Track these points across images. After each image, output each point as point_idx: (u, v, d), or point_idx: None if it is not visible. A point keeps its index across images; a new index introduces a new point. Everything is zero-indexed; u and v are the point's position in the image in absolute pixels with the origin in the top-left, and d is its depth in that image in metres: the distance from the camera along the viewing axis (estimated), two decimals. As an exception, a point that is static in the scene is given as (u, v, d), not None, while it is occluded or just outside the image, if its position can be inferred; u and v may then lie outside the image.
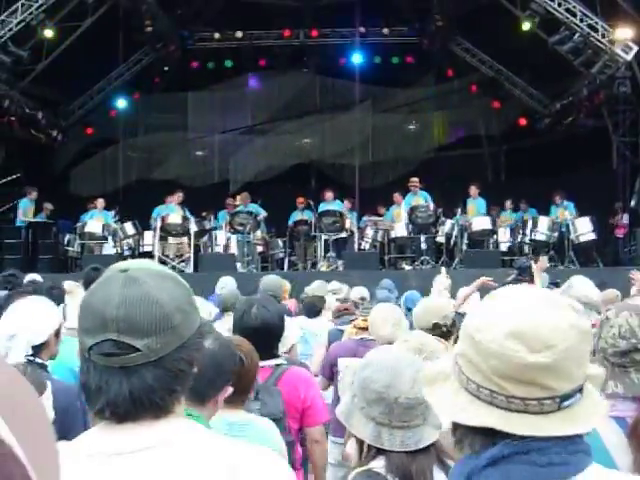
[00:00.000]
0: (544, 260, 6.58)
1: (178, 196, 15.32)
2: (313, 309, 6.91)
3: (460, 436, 1.31)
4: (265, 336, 3.34)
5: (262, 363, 3.18)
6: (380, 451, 2.14)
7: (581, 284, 5.04)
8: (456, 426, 1.32)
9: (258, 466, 1.33)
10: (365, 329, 5.02)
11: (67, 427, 2.89)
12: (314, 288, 7.79)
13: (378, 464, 2.13)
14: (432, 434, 2.14)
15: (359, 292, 7.48)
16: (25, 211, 15.42)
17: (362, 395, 2.20)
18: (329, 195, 15.41)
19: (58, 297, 6.06)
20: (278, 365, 3.54)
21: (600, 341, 2.21)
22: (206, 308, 6.08)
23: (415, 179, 15.26)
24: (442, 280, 8.39)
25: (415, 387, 2.13)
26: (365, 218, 16.18)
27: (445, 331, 4.09)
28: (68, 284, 6.10)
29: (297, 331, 5.80)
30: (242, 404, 2.96)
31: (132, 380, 1.28)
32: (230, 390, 2.40)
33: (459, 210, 14.88)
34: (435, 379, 1.37)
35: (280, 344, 4.18)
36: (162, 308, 1.30)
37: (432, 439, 2.12)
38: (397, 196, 15.52)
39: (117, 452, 1.28)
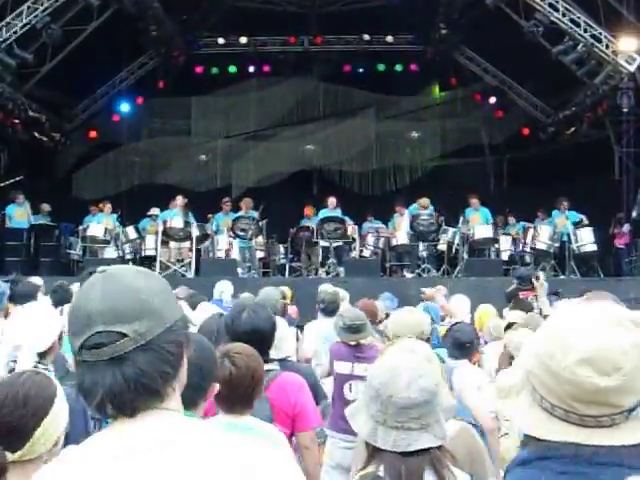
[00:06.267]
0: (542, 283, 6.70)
1: (180, 200, 15.23)
2: (330, 308, 6.84)
3: (526, 440, 1.44)
4: (255, 341, 3.32)
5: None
6: (378, 452, 2.19)
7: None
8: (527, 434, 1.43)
9: (273, 466, 1.35)
10: None
11: (71, 428, 2.93)
12: (327, 289, 7.79)
13: (381, 467, 2.17)
14: (428, 441, 2.17)
15: None
16: (12, 216, 15.24)
17: (366, 392, 2.29)
18: (332, 201, 15.20)
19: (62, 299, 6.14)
20: (269, 370, 3.52)
21: None
22: (212, 310, 6.01)
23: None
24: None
25: (411, 389, 2.19)
26: (367, 225, 16.15)
27: None
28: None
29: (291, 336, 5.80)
30: (244, 412, 2.97)
31: (124, 368, 1.31)
32: (217, 387, 2.47)
33: (461, 219, 14.83)
34: (508, 393, 1.46)
35: (277, 348, 4.21)
36: (141, 294, 1.36)
37: (426, 445, 2.16)
38: (399, 207, 15.40)
39: (130, 451, 1.30)
